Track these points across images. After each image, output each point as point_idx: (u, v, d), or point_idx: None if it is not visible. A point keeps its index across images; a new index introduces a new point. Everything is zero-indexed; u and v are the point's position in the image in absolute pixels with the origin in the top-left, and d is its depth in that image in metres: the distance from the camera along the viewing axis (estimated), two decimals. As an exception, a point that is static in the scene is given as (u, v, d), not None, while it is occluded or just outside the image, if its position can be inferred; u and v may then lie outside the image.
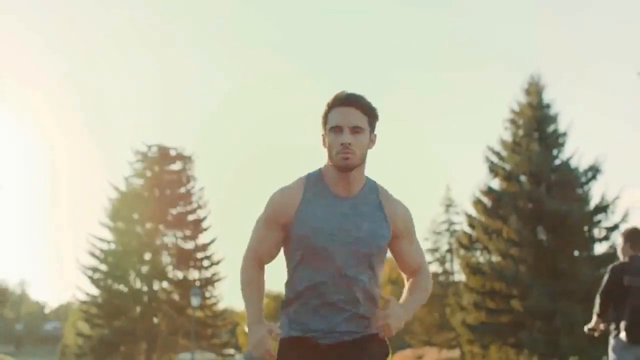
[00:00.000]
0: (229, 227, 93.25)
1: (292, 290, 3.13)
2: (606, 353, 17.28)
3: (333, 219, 3.06)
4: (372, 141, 3.14)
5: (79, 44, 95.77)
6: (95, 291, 36.52)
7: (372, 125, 3.11)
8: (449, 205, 41.72)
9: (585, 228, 28.92)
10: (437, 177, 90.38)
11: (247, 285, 3.19)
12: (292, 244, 3.10)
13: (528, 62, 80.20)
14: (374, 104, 3.14)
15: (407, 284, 3.26)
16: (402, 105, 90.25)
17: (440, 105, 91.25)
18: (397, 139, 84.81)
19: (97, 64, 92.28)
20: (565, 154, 29.97)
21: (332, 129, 3.06)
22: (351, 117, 3.04)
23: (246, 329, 3.11)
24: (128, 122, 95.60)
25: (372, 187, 3.16)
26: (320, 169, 3.17)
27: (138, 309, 36.09)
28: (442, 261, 40.67)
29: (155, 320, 36.42)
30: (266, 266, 3.25)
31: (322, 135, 3.14)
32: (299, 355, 3.08)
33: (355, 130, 3.04)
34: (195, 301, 31.47)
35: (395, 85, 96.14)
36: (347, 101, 3.07)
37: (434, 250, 40.73)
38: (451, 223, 41.43)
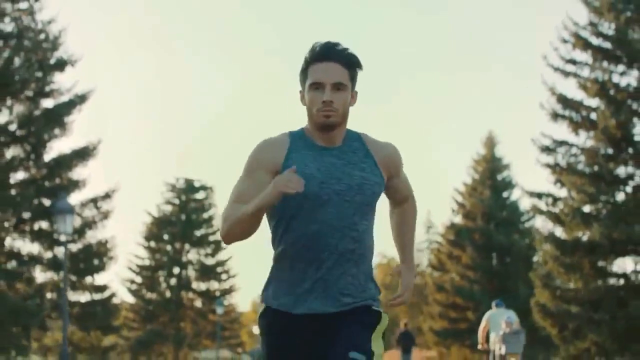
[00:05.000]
0: (243, 246, 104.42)
1: (284, 244, 3.13)
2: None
3: (323, 167, 3.09)
4: (353, 98, 3.15)
5: (78, 46, 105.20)
6: (131, 299, 48.05)
7: (353, 80, 3.13)
8: (429, 227, 53.65)
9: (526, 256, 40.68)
10: (437, 177, 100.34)
11: (235, 216, 3.05)
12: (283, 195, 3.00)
13: (529, 64, 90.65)
14: (355, 53, 3.15)
15: (394, 214, 3.39)
16: (402, 108, 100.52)
17: (442, 108, 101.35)
18: (398, 143, 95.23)
19: (96, 67, 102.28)
20: (513, 196, 41.74)
21: (312, 85, 3.08)
22: (333, 73, 3.06)
23: (262, 201, 2.96)
24: (128, 126, 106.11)
25: (355, 136, 3.21)
26: (302, 128, 3.20)
27: (168, 314, 46.97)
28: (422, 276, 52.47)
29: (182, 324, 47.89)
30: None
31: (301, 92, 3.16)
32: (284, 327, 3.13)
33: (337, 87, 3.06)
34: (219, 310, 43.31)
35: (396, 88, 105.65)
36: (327, 55, 3.09)
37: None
38: (430, 242, 53.37)
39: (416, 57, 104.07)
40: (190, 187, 49.38)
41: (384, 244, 64.17)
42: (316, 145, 3.15)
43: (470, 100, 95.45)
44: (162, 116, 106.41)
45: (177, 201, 49.17)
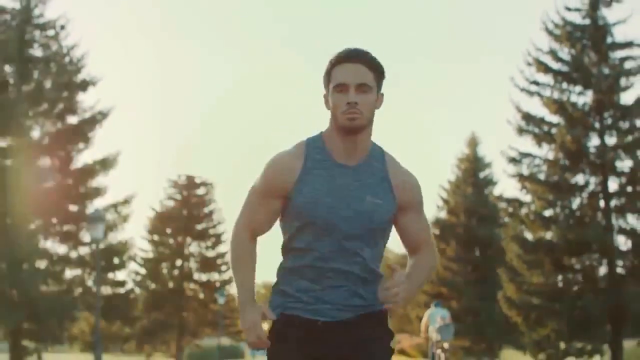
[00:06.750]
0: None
1: (289, 261, 3.24)
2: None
3: (334, 190, 3.12)
4: (379, 101, 3.17)
5: (67, 10, 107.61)
6: (137, 290, 52.20)
7: (379, 84, 3.16)
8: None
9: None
10: (434, 168, 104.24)
11: (239, 261, 3.27)
12: (290, 215, 3.20)
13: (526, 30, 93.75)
14: (381, 62, 3.16)
15: (409, 261, 3.33)
16: (402, 98, 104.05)
17: (438, 97, 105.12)
18: (395, 131, 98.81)
19: (97, 56, 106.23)
20: (495, 192, 46.22)
21: (336, 87, 3.10)
22: (357, 74, 3.09)
23: (239, 309, 3.17)
24: (129, 119, 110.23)
25: (379, 155, 3.23)
26: (321, 132, 3.22)
27: (171, 304, 50.29)
28: (411, 266, 57.11)
29: (184, 313, 52.13)
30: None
31: (325, 95, 3.18)
32: (295, 334, 3.17)
33: (362, 88, 3.09)
34: (221, 300, 47.78)
35: (396, 78, 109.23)
36: (352, 57, 3.12)
37: (405, 257, 57.26)
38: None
39: (414, 45, 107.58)
40: (191, 184, 53.73)
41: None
42: (333, 162, 3.16)
43: (457, 95, 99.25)
44: (162, 114, 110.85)
45: (179, 197, 53.36)
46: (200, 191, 53.69)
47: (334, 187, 3.14)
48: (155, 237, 52.35)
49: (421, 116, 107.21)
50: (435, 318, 20.37)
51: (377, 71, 3.16)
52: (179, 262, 52.00)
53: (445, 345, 19.81)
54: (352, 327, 3.20)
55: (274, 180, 3.20)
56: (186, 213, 52.62)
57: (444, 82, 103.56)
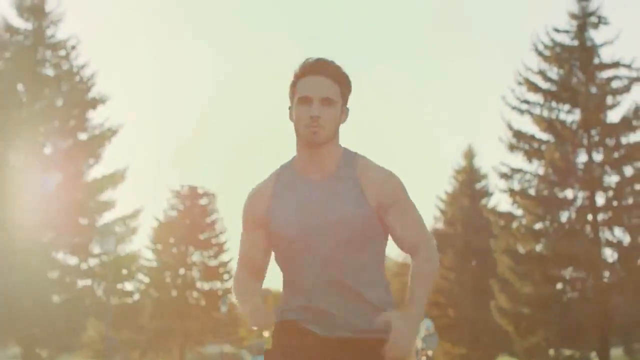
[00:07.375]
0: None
1: (283, 295, 3.25)
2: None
3: (304, 208, 3.12)
4: (344, 114, 3.16)
5: (78, 31, 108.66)
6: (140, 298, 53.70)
7: (344, 97, 3.16)
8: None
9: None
10: (429, 166, 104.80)
11: (239, 298, 3.26)
12: (273, 241, 3.22)
13: (521, 48, 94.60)
14: (347, 73, 3.17)
15: (410, 268, 3.17)
16: (400, 100, 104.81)
17: (433, 93, 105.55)
18: (389, 127, 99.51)
19: (97, 52, 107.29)
20: (490, 203, 47.89)
21: (300, 100, 3.10)
22: (322, 87, 3.08)
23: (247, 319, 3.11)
24: (130, 117, 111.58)
25: (349, 162, 3.17)
26: (293, 157, 3.23)
27: (174, 312, 51.53)
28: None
29: (187, 321, 53.53)
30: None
31: (290, 108, 3.18)
32: (293, 341, 3.16)
33: (326, 102, 3.08)
34: (223, 308, 49.25)
35: (395, 79, 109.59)
36: (316, 69, 3.11)
37: (404, 265, 58.93)
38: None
39: (414, 45, 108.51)
40: (194, 194, 55.28)
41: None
42: (302, 180, 3.18)
43: (457, 101, 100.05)
44: (163, 125, 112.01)
45: (182, 207, 54.92)
46: (203, 201, 55.01)
47: (304, 204, 3.15)
48: (159, 247, 53.66)
49: (421, 117, 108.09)
50: (420, 328, 22.18)
51: (343, 84, 3.16)
52: (182, 271, 53.29)
53: (429, 353, 21.52)
54: (346, 346, 3.14)
55: (250, 212, 3.28)
56: (189, 223, 53.90)
57: (444, 84, 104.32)
